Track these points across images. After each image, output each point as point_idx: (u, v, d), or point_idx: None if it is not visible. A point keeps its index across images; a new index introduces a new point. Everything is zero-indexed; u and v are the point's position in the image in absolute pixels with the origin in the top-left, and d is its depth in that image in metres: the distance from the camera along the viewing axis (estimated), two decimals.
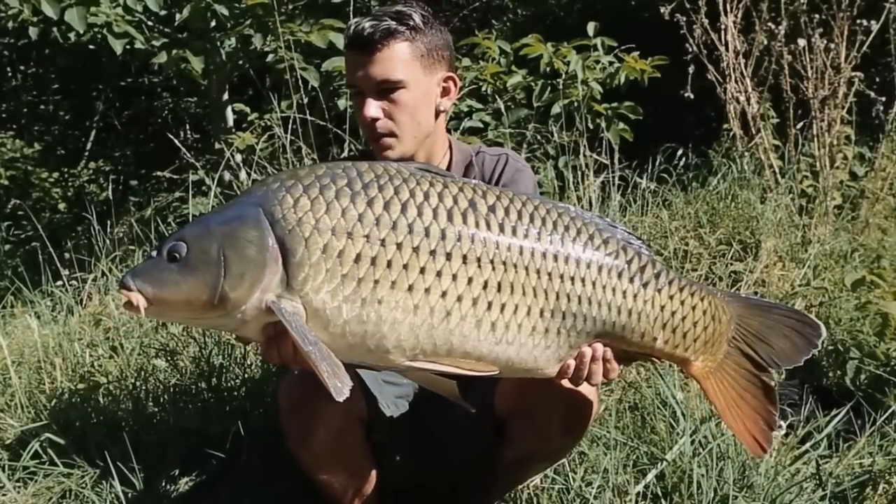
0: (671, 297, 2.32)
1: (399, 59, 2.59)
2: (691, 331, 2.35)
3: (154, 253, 2.11)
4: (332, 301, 2.05)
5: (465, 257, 2.11)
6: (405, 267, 2.07)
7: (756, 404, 2.39)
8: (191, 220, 5.07)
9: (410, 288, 2.07)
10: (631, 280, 2.28)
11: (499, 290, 2.13)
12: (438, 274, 2.09)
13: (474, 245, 2.13)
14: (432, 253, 2.09)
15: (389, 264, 2.06)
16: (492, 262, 2.13)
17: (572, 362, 2.27)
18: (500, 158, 2.88)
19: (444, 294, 2.09)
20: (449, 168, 2.80)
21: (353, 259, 2.05)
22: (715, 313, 2.37)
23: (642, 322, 2.30)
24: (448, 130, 3.00)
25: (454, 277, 2.10)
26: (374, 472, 2.76)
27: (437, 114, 2.74)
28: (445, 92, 2.74)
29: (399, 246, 2.07)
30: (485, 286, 2.12)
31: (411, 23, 2.61)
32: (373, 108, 2.60)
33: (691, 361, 2.39)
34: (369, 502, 2.77)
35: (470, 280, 2.11)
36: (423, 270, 2.08)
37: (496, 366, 2.18)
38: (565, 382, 2.33)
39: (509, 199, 2.22)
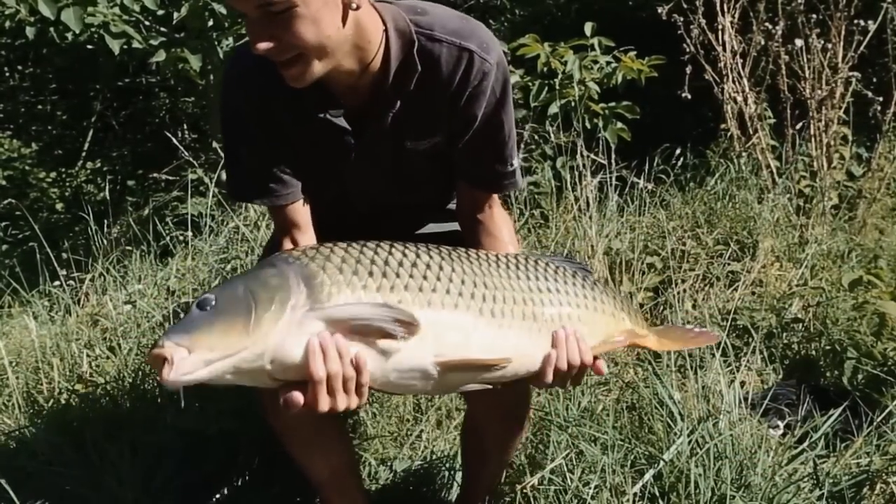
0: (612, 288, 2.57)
1: None
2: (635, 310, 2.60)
3: (182, 315, 2.09)
4: None
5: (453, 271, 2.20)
6: (412, 276, 2.12)
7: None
8: (188, 218, 5.10)
9: (421, 288, 2.11)
10: (584, 283, 2.43)
11: (486, 287, 2.21)
12: (438, 278, 2.15)
13: (463, 267, 2.23)
14: (428, 266, 2.17)
15: (398, 275, 2.11)
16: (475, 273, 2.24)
17: (553, 352, 2.25)
18: (461, 56, 2.31)
19: (448, 291, 2.13)
20: (385, 64, 2.31)
21: (367, 274, 2.08)
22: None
23: (608, 307, 2.45)
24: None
25: (451, 279, 2.16)
26: (349, 451, 2.78)
27: (346, 13, 2.15)
28: None
29: (400, 263, 2.14)
30: (475, 284, 2.19)
31: None
32: (260, 38, 2.08)
33: (647, 336, 2.58)
34: (342, 474, 2.74)
35: (463, 281, 2.18)
36: (425, 277, 2.13)
37: (504, 351, 2.19)
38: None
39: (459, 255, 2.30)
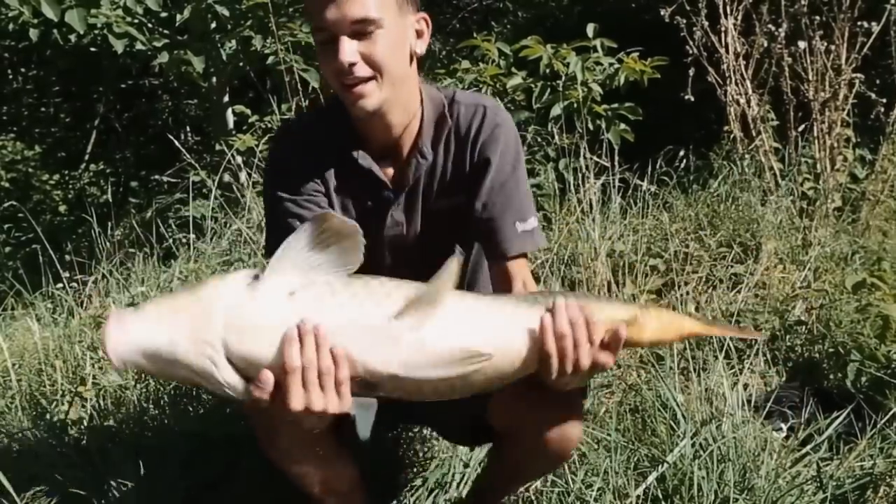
0: None
1: None
2: None
3: None
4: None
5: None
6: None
7: None
8: (191, 220, 5.12)
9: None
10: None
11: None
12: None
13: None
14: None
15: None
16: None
17: (549, 339, 2.08)
18: (476, 110, 2.60)
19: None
20: (421, 125, 2.59)
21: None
22: None
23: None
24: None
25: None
26: (349, 469, 2.67)
27: (411, 58, 2.51)
28: (419, 34, 2.51)
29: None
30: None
31: None
32: (349, 51, 2.33)
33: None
34: (348, 499, 2.71)
35: None
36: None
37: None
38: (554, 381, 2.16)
39: None
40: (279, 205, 2.55)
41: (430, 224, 2.63)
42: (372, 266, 2.50)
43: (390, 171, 2.59)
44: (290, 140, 2.65)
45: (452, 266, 2.06)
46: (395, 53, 2.40)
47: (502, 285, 2.62)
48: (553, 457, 2.59)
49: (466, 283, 2.78)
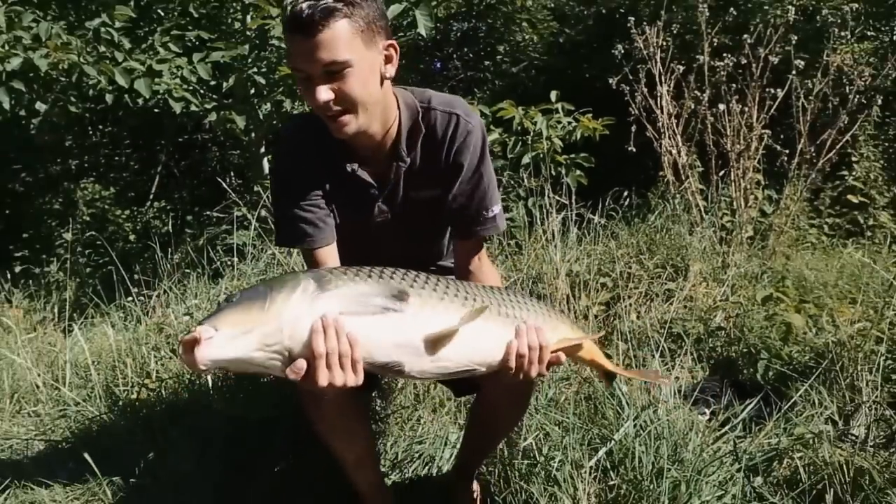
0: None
1: (342, 38, 2.17)
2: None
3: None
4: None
5: (438, 281, 2.15)
6: (404, 278, 2.09)
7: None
8: (235, 247, 5.12)
9: (412, 284, 2.08)
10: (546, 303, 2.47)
11: (467, 292, 2.17)
12: (427, 281, 2.12)
13: (448, 281, 2.19)
14: (422, 276, 2.13)
15: (393, 277, 2.07)
16: (459, 284, 2.20)
17: (513, 357, 2.19)
18: (451, 119, 2.48)
19: (435, 289, 2.11)
20: (399, 131, 2.48)
21: (367, 276, 2.04)
22: None
23: (566, 319, 2.44)
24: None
25: (437, 282, 2.14)
26: (368, 439, 2.69)
27: (382, 80, 2.35)
28: (388, 59, 2.33)
29: (396, 272, 2.10)
30: (458, 289, 2.16)
31: None
32: (323, 92, 2.22)
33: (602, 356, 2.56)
34: (364, 456, 2.69)
35: (448, 285, 2.15)
36: (416, 279, 2.10)
37: (477, 329, 2.14)
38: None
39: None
40: (288, 211, 2.51)
41: (410, 210, 2.59)
42: (365, 243, 2.55)
43: (374, 171, 2.53)
44: (290, 157, 2.54)
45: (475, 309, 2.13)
46: (366, 86, 2.28)
47: (463, 263, 2.66)
48: (520, 394, 2.62)
49: (445, 253, 2.83)
